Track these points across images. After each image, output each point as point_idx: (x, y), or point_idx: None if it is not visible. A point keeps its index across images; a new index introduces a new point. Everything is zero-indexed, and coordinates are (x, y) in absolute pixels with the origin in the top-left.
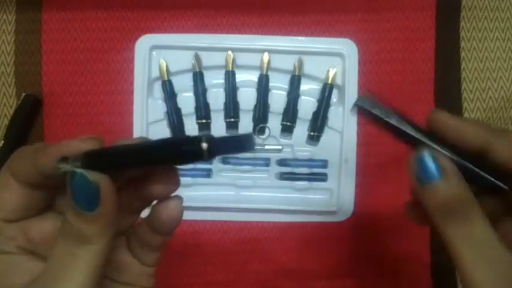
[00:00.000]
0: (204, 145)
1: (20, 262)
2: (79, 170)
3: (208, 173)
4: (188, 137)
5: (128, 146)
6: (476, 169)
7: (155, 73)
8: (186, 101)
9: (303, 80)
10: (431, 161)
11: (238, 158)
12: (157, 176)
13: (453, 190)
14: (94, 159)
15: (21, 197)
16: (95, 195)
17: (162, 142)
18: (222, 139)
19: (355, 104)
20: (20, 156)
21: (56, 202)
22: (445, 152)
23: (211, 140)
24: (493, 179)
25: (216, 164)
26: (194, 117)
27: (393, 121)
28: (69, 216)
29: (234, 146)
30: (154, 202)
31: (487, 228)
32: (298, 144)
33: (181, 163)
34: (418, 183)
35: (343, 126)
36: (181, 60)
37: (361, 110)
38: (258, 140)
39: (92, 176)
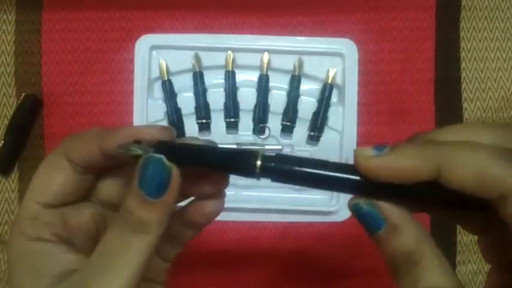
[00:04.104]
0: (258, 163)
1: (54, 251)
2: (157, 155)
3: None
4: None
5: (197, 146)
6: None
7: (155, 73)
8: (186, 101)
9: (303, 80)
10: (371, 212)
11: None
12: (210, 177)
13: (402, 244)
14: (165, 150)
15: (69, 180)
16: (166, 182)
17: (229, 152)
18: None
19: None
20: (80, 139)
21: (95, 192)
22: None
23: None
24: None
25: None
26: (194, 117)
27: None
28: (130, 202)
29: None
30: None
31: (436, 280)
32: (298, 144)
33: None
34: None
35: (343, 126)
36: (181, 60)
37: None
38: (258, 140)
39: (168, 162)
